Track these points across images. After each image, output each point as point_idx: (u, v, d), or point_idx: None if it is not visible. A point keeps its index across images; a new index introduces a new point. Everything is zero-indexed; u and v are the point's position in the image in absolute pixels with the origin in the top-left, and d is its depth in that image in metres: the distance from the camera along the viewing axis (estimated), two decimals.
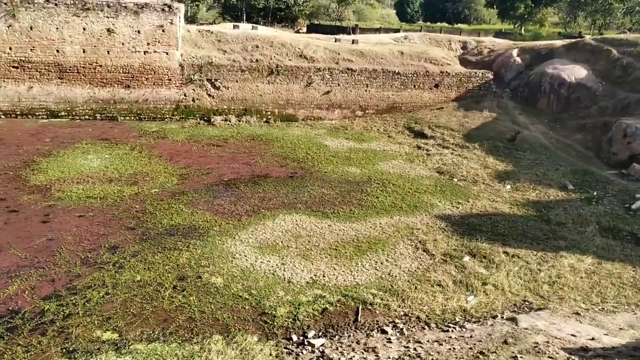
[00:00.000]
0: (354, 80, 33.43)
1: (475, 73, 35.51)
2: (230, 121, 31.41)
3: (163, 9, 30.33)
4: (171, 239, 16.74)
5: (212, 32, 34.66)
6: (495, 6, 78.27)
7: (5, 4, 28.42)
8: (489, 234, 18.64)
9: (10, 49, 29.10)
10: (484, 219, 20.05)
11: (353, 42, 37.52)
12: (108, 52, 30.10)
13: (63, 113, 29.97)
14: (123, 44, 30.16)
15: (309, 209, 19.85)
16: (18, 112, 29.53)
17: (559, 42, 40.12)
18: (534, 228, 19.52)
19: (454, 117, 32.70)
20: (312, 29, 61.67)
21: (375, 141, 29.80)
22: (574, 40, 40.70)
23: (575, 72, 33.57)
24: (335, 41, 37.35)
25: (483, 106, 33.64)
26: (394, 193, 22.00)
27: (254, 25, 41.95)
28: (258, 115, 32.27)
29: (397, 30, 55.41)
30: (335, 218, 19.20)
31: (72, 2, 29.69)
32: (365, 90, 33.70)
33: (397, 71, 33.98)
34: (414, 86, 34.30)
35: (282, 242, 17.06)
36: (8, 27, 28.73)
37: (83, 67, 30.01)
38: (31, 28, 29.02)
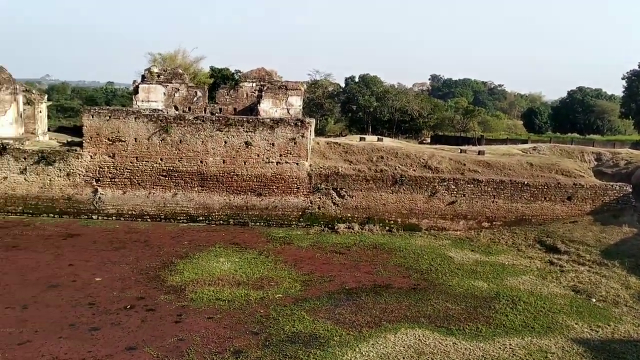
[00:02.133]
0: (480, 191, 32.90)
1: (612, 186, 33.51)
2: (353, 229, 31.91)
3: (296, 124, 32.57)
4: (292, 347, 16.85)
5: (339, 144, 36.35)
6: (630, 117, 74.86)
7: (161, 120, 32.15)
8: None
9: (161, 159, 32.51)
10: (629, 345, 18.10)
11: (479, 152, 37.40)
12: (245, 163, 32.53)
13: (201, 218, 32.38)
14: (258, 155, 32.49)
15: (433, 324, 19.18)
16: (162, 216, 32.38)
17: None
18: None
19: (590, 232, 30.68)
20: (437, 139, 62.47)
21: (504, 254, 28.60)
22: None
23: None
24: (461, 152, 37.45)
25: (622, 221, 31.32)
26: (524, 311, 20.68)
27: (379, 137, 43.43)
28: (381, 224, 32.51)
29: (524, 141, 54.52)
30: (460, 335, 18.32)
31: (216, 118, 32.98)
32: (492, 202, 32.94)
33: (525, 183, 33.03)
34: (545, 198, 32.99)
35: (403, 358, 16.50)
36: (161, 140, 32.29)
37: (222, 176, 32.57)
38: (180, 141, 32.37)
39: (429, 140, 65.41)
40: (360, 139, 40.05)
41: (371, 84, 70.14)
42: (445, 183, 32.90)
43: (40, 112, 42.09)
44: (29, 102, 40.45)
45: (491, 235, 31.75)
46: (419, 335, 18.09)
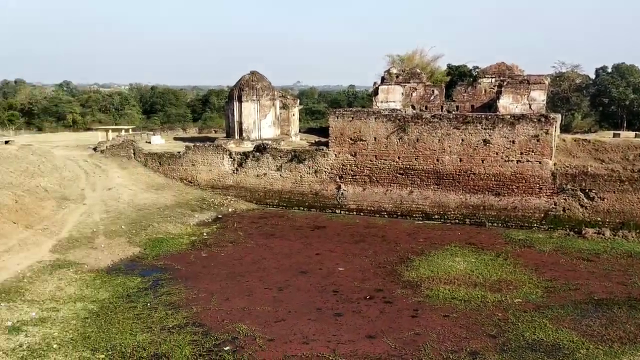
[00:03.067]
0: None
1: None
2: (603, 235, 28.94)
3: (539, 120, 30.74)
4: (532, 355, 16.12)
5: (588, 141, 33.37)
6: None
7: (399, 120, 33.20)
8: None
9: (398, 158, 33.59)
10: None
11: None
12: (482, 161, 31.83)
13: (436, 216, 32.63)
14: (497, 154, 31.50)
15: None
16: (399, 213, 33.44)
17: None
18: None
19: None
20: None
21: None
22: None
23: None
24: None
25: None
26: None
27: (637, 132, 38.65)
28: (638, 231, 28.92)
29: None
30: None
31: (453, 116, 32.88)
32: None
33: None
34: None
35: None
36: (399, 139, 33.34)
37: (458, 175, 32.36)
38: (417, 140, 33.02)
39: None
40: (614, 135, 36.17)
41: (627, 74, 62.53)
42: None
43: (294, 115, 46.78)
44: (284, 106, 45.27)
45: None
46: None
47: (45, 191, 31.13)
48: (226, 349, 16.74)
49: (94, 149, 41.96)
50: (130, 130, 53.67)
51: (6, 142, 38.13)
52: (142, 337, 17.32)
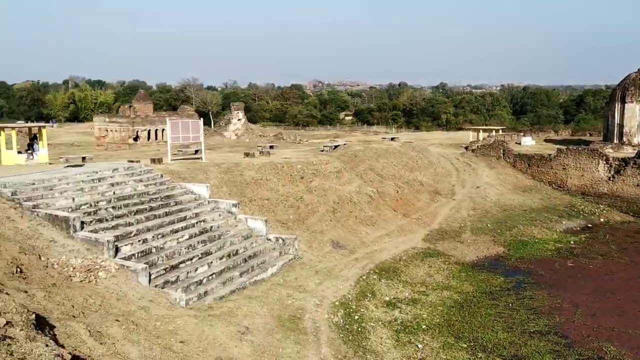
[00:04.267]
0: None
1: None
2: None
3: None
4: None
5: None
6: None
7: None
8: None
9: None
10: None
11: None
12: None
13: None
14: None
15: None
16: None
17: None
18: None
19: None
20: None
21: None
22: None
23: None
24: None
25: None
26: None
27: None
28: None
29: None
30: None
31: None
32: None
33: None
34: None
35: None
36: None
37: None
38: None
39: None
40: None
41: None
42: None
43: None
44: None
45: None
46: None
47: (421, 184, 34.28)
48: None
49: (465, 148, 44.05)
50: (500, 130, 54.32)
51: (391, 139, 43.22)
52: (502, 336, 17.74)
